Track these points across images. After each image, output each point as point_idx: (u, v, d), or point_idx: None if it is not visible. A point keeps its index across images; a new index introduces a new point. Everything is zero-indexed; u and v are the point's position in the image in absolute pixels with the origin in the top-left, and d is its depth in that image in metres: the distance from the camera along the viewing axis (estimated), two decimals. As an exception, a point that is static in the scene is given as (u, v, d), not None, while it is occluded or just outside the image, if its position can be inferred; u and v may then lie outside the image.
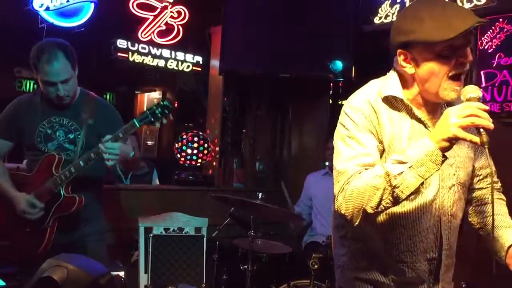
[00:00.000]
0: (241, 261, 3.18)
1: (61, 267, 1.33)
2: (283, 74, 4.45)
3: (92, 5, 4.68)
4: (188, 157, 4.54)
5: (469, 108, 1.30)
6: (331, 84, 4.88)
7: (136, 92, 8.14)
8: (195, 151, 4.55)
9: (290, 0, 4.36)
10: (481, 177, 1.66)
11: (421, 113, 1.52)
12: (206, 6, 5.10)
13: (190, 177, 4.60)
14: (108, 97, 7.91)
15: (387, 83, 1.54)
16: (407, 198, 1.37)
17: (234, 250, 3.47)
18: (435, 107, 1.54)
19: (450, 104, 1.49)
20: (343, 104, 1.58)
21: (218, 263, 3.52)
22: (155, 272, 3.20)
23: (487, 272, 1.38)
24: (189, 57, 5.43)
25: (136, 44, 5.11)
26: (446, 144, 1.32)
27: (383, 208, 1.38)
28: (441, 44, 1.39)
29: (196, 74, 5.60)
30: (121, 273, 3.13)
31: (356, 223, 1.42)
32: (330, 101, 5.01)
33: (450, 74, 1.42)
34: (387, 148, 1.49)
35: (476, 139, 1.29)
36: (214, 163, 4.94)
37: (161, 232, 3.30)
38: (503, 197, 1.71)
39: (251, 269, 3.02)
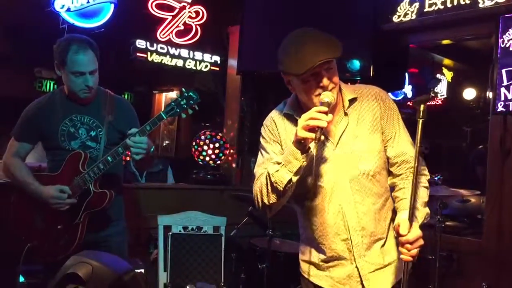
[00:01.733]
0: (259, 260, 3.20)
1: (86, 263, 1.35)
2: (301, 74, 4.44)
3: (112, 5, 4.72)
4: (206, 156, 4.57)
5: (309, 113, 1.66)
6: (349, 83, 4.85)
7: (154, 92, 8.18)
8: (212, 151, 4.57)
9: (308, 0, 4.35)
10: (397, 164, 1.87)
11: None
12: (224, 6, 5.12)
13: (208, 176, 4.62)
14: (126, 97, 7.95)
15: (288, 101, 1.95)
16: (285, 191, 1.73)
17: (252, 249, 3.48)
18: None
19: (351, 103, 1.87)
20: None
21: (236, 262, 3.53)
22: (174, 271, 3.22)
23: (509, 272, 1.37)
24: (207, 57, 5.44)
25: (155, 44, 5.14)
26: (299, 144, 1.68)
27: (274, 200, 1.77)
28: (302, 76, 1.73)
29: (214, 73, 5.62)
30: (141, 271, 3.16)
31: (268, 215, 1.90)
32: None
33: (315, 94, 1.76)
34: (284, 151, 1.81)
35: (312, 135, 1.64)
36: (232, 163, 4.96)
37: (179, 231, 3.33)
38: (422, 180, 1.86)
39: (269, 268, 3.03)
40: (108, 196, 2.44)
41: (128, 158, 3.78)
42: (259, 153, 1.95)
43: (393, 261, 1.90)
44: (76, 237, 2.41)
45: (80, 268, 1.36)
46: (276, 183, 1.73)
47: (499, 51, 3.38)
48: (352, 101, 1.88)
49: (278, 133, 1.91)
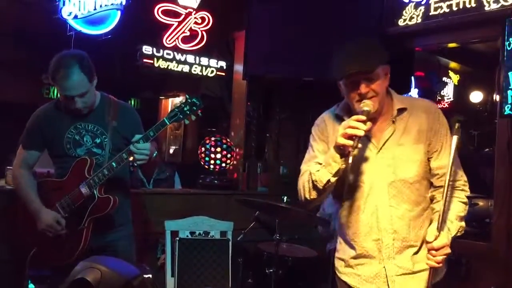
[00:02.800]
0: (267, 265, 3.19)
1: (95, 268, 1.36)
2: (307, 78, 4.45)
3: (119, 12, 4.75)
4: (212, 161, 4.57)
5: (349, 121, 1.78)
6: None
7: (160, 97, 8.22)
8: (219, 156, 4.58)
9: (312, 4, 4.36)
10: (438, 176, 1.95)
11: None
12: (229, 12, 5.13)
13: (215, 181, 4.62)
14: (133, 102, 8.01)
15: (340, 104, 2.05)
16: (325, 189, 1.87)
17: (259, 254, 3.48)
18: (375, 120, 1.93)
19: (401, 113, 1.95)
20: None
21: (244, 267, 3.53)
22: (181, 276, 3.22)
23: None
24: (213, 62, 5.46)
25: (161, 50, 5.16)
26: (338, 148, 1.80)
27: (315, 196, 1.91)
28: (341, 81, 1.89)
29: (220, 79, 5.64)
30: (149, 276, 3.16)
31: (308, 208, 2.10)
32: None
33: (355, 100, 1.87)
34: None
35: (350, 143, 1.75)
36: (239, 168, 4.96)
37: (187, 236, 3.33)
38: (460, 195, 1.95)
39: (276, 273, 3.02)
40: (112, 201, 2.45)
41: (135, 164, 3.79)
42: (308, 150, 2.09)
43: (424, 269, 1.93)
44: (80, 242, 2.43)
45: (89, 273, 1.37)
46: (316, 181, 1.88)
47: (505, 53, 3.36)
48: (401, 110, 1.96)
49: (327, 132, 2.02)
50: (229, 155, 4.62)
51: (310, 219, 3.51)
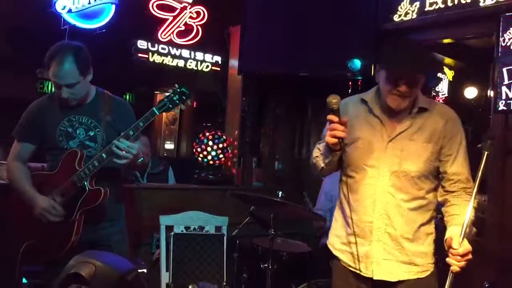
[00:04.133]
0: (261, 259, 3.19)
1: (89, 263, 1.36)
2: (302, 73, 4.45)
3: (113, 6, 4.73)
4: (208, 156, 4.57)
5: (331, 125, 1.92)
6: (350, 83, 4.86)
7: (155, 92, 8.19)
8: (214, 151, 4.57)
9: (308, 0, 4.35)
10: (452, 181, 2.04)
11: (379, 112, 2.08)
12: (225, 6, 5.12)
13: (210, 177, 4.62)
14: (127, 97, 7.96)
15: (369, 91, 2.17)
16: (324, 169, 2.09)
17: (254, 248, 3.48)
18: (395, 112, 2.04)
19: (421, 112, 2.05)
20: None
21: (239, 262, 3.53)
22: (176, 271, 3.22)
23: (511, 271, 1.39)
24: (208, 57, 5.45)
25: (156, 45, 5.14)
26: (329, 146, 1.98)
27: (319, 170, 2.12)
28: (388, 72, 1.98)
29: (215, 74, 5.62)
30: (144, 271, 3.17)
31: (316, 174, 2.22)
32: (349, 100, 4.99)
33: (391, 92, 1.98)
34: (349, 128, 2.01)
35: (335, 141, 1.93)
36: (234, 163, 4.96)
37: (181, 231, 3.32)
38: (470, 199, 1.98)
39: (271, 268, 3.03)
40: (103, 193, 2.44)
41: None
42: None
43: (411, 262, 2.05)
44: (71, 235, 2.42)
45: (83, 268, 1.37)
46: (315, 164, 2.14)
47: (500, 49, 3.37)
48: (422, 110, 2.06)
49: (347, 114, 2.06)
50: (224, 150, 4.62)
51: (305, 214, 3.52)
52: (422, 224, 2.07)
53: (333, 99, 1.92)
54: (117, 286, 1.34)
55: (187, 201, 4.05)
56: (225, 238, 3.38)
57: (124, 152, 2.33)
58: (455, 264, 1.86)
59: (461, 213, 1.95)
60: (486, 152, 1.85)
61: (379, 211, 2.04)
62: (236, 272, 3.53)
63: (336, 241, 2.19)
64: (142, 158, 2.57)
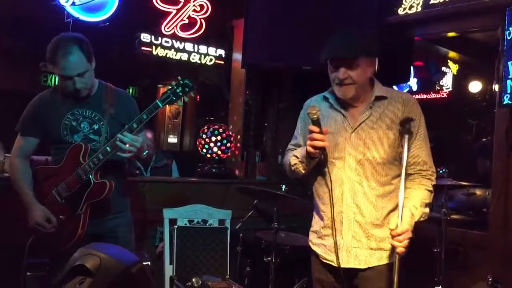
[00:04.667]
0: (264, 253, 3.20)
1: (94, 255, 1.36)
2: (305, 67, 4.43)
3: (117, -1, 4.72)
4: (211, 150, 4.57)
5: (311, 135, 2.01)
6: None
7: (159, 85, 8.19)
8: (217, 144, 4.57)
9: (312, -7, 4.33)
10: (409, 164, 2.07)
11: (340, 106, 2.16)
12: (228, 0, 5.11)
13: (213, 170, 4.62)
14: (131, 90, 7.96)
15: (330, 88, 2.21)
16: (303, 175, 2.14)
17: (258, 242, 3.49)
18: (351, 102, 2.14)
19: (379, 100, 2.12)
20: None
21: (242, 255, 3.54)
22: (180, 264, 3.23)
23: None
24: (211, 50, 5.44)
25: (160, 38, 5.13)
26: (308, 155, 2.06)
27: (296, 176, 2.19)
28: (325, 62, 2.10)
29: (219, 67, 5.61)
30: (148, 264, 3.17)
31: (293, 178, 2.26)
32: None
33: (335, 82, 2.10)
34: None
35: (316, 151, 2.01)
36: (237, 156, 4.96)
37: (185, 224, 3.34)
38: (427, 183, 2.12)
39: (274, 261, 3.04)
40: (108, 186, 2.45)
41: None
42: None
43: (379, 248, 2.10)
44: (78, 228, 2.43)
45: (88, 260, 1.37)
46: (294, 171, 2.20)
47: (505, 43, 3.35)
48: (380, 98, 2.13)
49: None
50: (227, 144, 4.62)
51: (309, 207, 3.52)
52: (391, 211, 2.11)
53: (312, 110, 1.99)
54: (122, 278, 1.35)
55: (191, 195, 4.05)
56: (228, 231, 3.39)
57: (128, 145, 2.34)
58: (398, 245, 1.93)
59: (410, 196, 2.03)
60: (407, 136, 1.98)
61: (348, 201, 2.09)
62: (239, 265, 3.54)
63: (313, 236, 2.25)
64: (147, 151, 2.58)
